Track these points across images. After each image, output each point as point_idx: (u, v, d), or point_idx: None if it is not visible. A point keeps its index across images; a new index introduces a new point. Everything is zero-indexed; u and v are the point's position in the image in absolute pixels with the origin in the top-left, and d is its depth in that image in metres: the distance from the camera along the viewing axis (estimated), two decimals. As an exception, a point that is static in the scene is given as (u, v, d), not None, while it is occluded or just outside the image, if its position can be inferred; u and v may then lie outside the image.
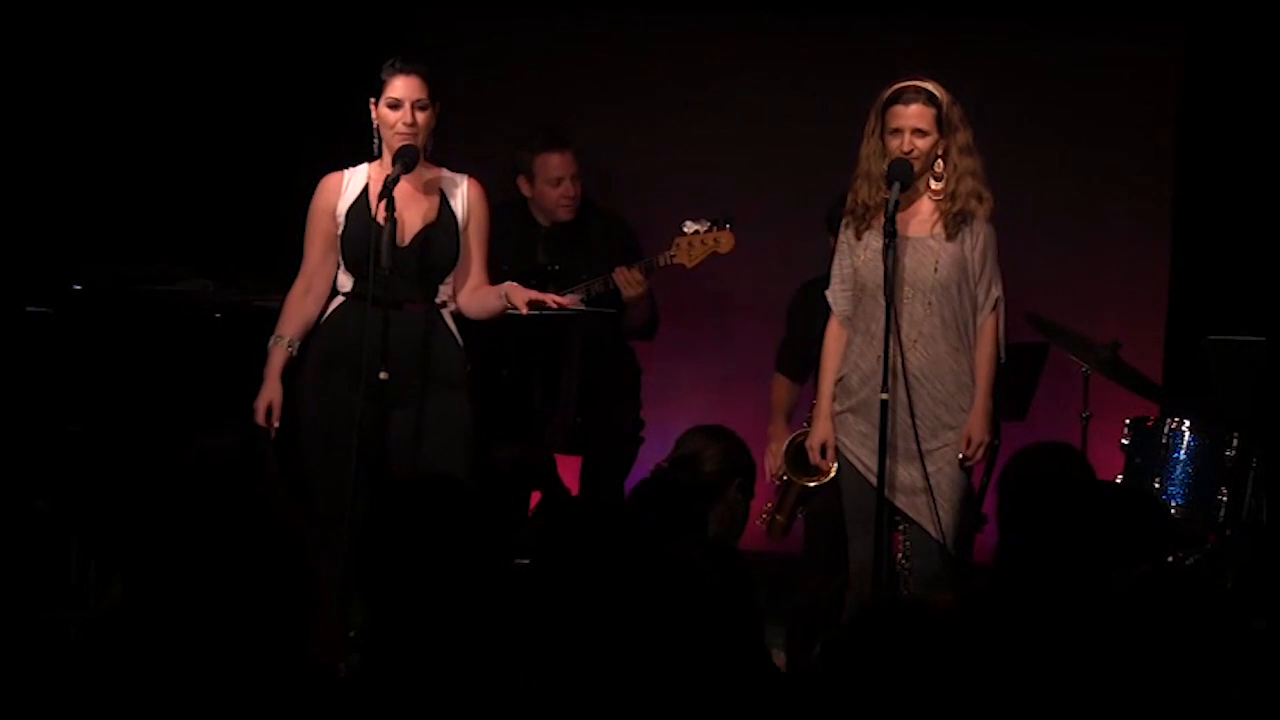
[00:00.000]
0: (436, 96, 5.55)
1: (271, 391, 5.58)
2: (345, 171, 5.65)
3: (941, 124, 5.48)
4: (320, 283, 5.65)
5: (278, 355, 5.62)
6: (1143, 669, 3.28)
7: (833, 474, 5.84)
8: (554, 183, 6.73)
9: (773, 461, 6.49)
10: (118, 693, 2.99)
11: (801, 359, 6.53)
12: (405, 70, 5.52)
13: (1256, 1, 7.35)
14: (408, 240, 5.55)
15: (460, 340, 5.63)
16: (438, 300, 5.61)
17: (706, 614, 2.96)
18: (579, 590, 3.31)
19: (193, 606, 3.00)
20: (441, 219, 5.60)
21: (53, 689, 3.11)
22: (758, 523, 6.39)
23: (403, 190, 5.52)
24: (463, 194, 5.64)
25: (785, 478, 6.45)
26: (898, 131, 5.47)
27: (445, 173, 5.67)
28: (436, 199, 5.62)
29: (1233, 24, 7.44)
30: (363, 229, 5.50)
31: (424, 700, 3.16)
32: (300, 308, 5.64)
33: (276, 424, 5.56)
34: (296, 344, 5.63)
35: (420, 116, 5.51)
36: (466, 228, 5.63)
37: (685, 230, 6.51)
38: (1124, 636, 3.39)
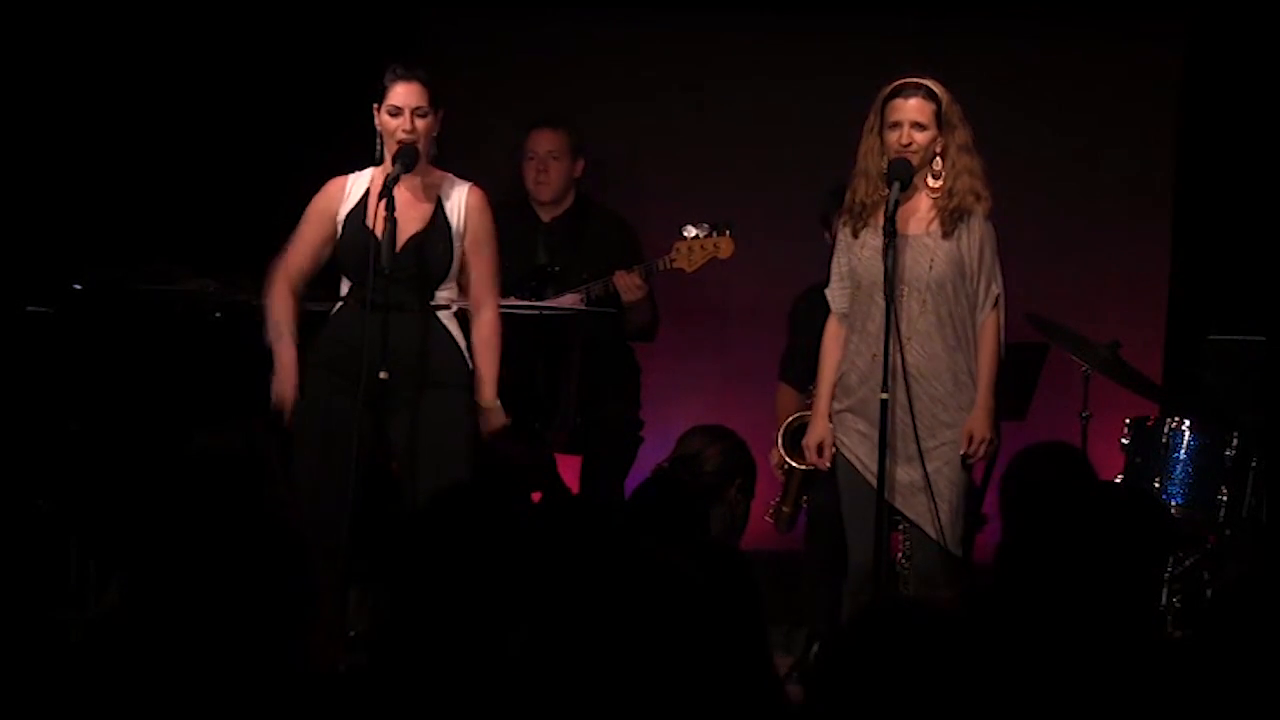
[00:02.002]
0: (439, 103, 5.55)
1: (286, 388, 5.53)
2: (350, 177, 5.64)
3: (941, 120, 5.48)
4: (299, 283, 5.61)
5: (286, 349, 5.56)
6: (1146, 670, 3.28)
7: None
8: (528, 157, 6.77)
9: (775, 455, 6.49)
10: (118, 693, 2.99)
11: (805, 367, 6.53)
12: (405, 77, 5.52)
13: (1256, 1, 7.35)
14: (401, 245, 5.53)
15: (461, 342, 5.62)
16: (434, 304, 5.60)
17: (697, 615, 2.96)
18: (572, 589, 3.31)
19: (192, 606, 3.00)
20: (434, 225, 5.58)
21: (53, 689, 3.11)
22: (765, 518, 6.41)
23: (400, 194, 5.52)
24: (459, 201, 5.61)
25: (786, 466, 6.45)
26: (897, 125, 5.47)
27: (448, 179, 5.65)
28: (432, 205, 5.60)
29: (1233, 24, 7.44)
30: (361, 234, 5.50)
31: (424, 700, 3.16)
32: (286, 306, 5.59)
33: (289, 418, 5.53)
34: (297, 335, 5.60)
35: (419, 124, 5.51)
36: (464, 237, 5.62)
37: (685, 235, 6.53)
38: (1129, 638, 3.39)
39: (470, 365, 5.61)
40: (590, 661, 2.90)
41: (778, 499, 6.57)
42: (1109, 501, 3.82)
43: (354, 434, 5.39)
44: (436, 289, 5.60)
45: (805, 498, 6.49)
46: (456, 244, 5.60)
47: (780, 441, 6.45)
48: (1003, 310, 5.56)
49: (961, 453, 5.48)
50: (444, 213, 5.60)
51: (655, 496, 4.78)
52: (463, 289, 5.67)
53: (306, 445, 5.52)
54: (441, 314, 5.61)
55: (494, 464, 5.99)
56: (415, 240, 5.56)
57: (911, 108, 5.46)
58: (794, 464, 6.40)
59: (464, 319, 5.68)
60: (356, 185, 5.63)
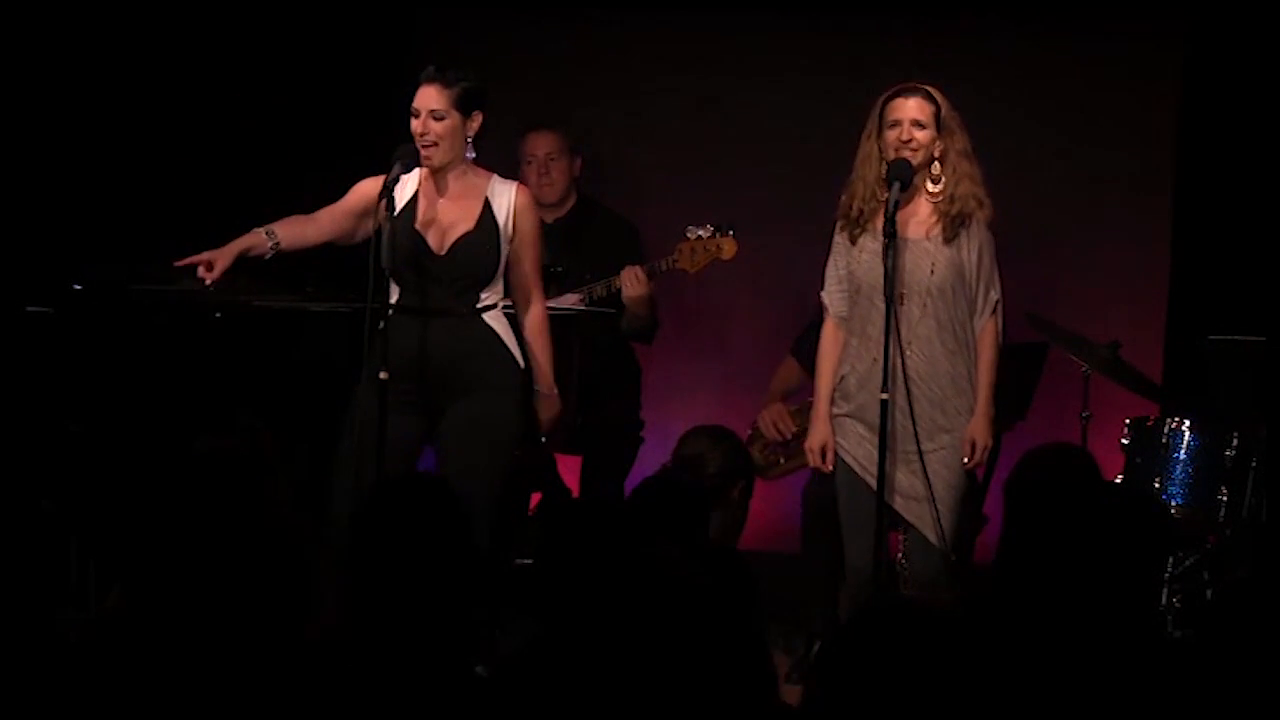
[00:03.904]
0: (468, 107, 5.53)
1: (220, 251, 5.51)
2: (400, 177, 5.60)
3: (939, 122, 5.48)
4: (323, 229, 5.63)
5: (253, 236, 5.56)
6: (1146, 670, 3.28)
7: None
8: (527, 161, 6.80)
9: (775, 421, 6.51)
10: (117, 693, 2.99)
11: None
12: (426, 79, 5.54)
13: (1256, 1, 7.35)
14: (448, 247, 5.56)
15: (510, 342, 5.62)
16: (479, 305, 5.60)
17: (696, 615, 2.96)
18: (575, 590, 3.31)
19: (191, 605, 3.01)
20: (481, 227, 5.59)
21: (52, 689, 3.11)
22: (758, 456, 6.43)
23: (440, 198, 5.57)
24: (509, 202, 5.61)
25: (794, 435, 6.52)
26: (897, 123, 5.46)
27: (494, 178, 5.66)
28: (478, 207, 5.60)
29: (1233, 24, 7.44)
30: (408, 236, 5.51)
31: (419, 700, 3.16)
32: (300, 224, 5.62)
33: (208, 276, 5.50)
34: (278, 245, 5.57)
35: (435, 127, 5.51)
36: (511, 238, 5.61)
37: (688, 235, 6.55)
38: (1129, 638, 3.39)
39: (521, 365, 5.62)
40: (590, 661, 2.90)
41: (788, 443, 6.60)
42: (1110, 502, 3.82)
43: (356, 434, 5.40)
44: (481, 290, 5.61)
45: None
46: (504, 245, 5.60)
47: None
48: (1001, 316, 5.56)
49: (964, 460, 5.48)
50: (492, 213, 5.61)
51: (656, 497, 4.79)
52: (507, 288, 5.69)
53: (348, 452, 5.51)
54: (488, 315, 5.61)
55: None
56: (462, 242, 5.57)
57: (911, 106, 5.47)
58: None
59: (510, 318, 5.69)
60: (405, 187, 5.61)
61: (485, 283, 5.60)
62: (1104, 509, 3.70)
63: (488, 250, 5.58)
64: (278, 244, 5.58)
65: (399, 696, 3.15)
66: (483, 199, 5.61)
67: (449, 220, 5.57)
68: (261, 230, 5.59)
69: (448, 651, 3.23)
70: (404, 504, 3.60)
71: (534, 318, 5.69)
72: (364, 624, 3.33)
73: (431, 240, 5.57)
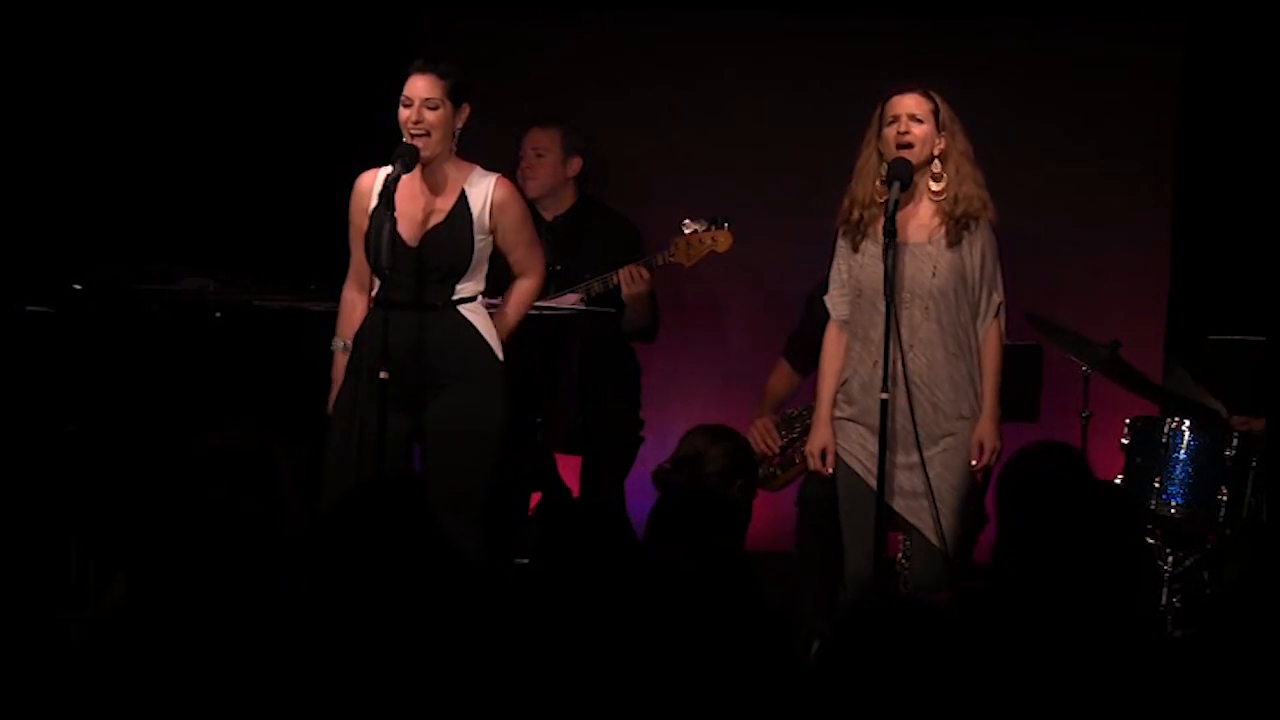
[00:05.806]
0: (459, 97, 5.54)
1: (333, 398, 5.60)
2: (379, 171, 5.58)
3: (938, 120, 5.48)
4: (370, 280, 5.63)
5: (340, 360, 5.63)
6: (1146, 670, 3.29)
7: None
8: (519, 156, 6.83)
9: (763, 437, 6.51)
10: (117, 693, 3.00)
11: (811, 350, 6.54)
12: (417, 69, 5.54)
13: (1256, 1, 7.36)
14: (417, 241, 5.55)
15: (488, 334, 5.61)
16: (455, 298, 5.60)
17: (697, 616, 2.96)
18: (576, 591, 3.32)
19: (190, 606, 3.01)
20: (452, 219, 5.58)
21: (53, 689, 3.11)
22: (763, 470, 6.44)
23: (418, 189, 5.55)
24: (486, 194, 5.61)
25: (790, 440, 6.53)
26: (895, 119, 5.46)
27: (475, 171, 5.65)
28: (453, 199, 5.60)
29: (1233, 24, 7.44)
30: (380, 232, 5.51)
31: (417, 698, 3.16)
32: (354, 309, 5.64)
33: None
34: (350, 345, 5.62)
35: (429, 116, 5.51)
36: (493, 231, 5.61)
37: (684, 230, 6.56)
38: (1127, 637, 3.39)
39: (500, 358, 5.61)
40: (590, 660, 2.91)
41: (777, 459, 6.60)
42: (1083, 497, 3.84)
43: (354, 434, 5.41)
44: (458, 283, 5.60)
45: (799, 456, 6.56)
46: (478, 237, 5.59)
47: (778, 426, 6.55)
48: (1003, 318, 5.56)
49: (973, 462, 5.48)
50: (466, 205, 5.59)
51: (671, 506, 4.76)
52: (499, 280, 5.69)
53: (334, 453, 5.51)
54: (465, 307, 5.60)
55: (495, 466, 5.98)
56: (432, 234, 5.57)
57: (909, 102, 5.47)
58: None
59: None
60: (382, 181, 5.61)
61: (459, 275, 5.58)
62: (1081, 505, 3.71)
63: (458, 243, 5.57)
64: (350, 344, 5.62)
65: (389, 698, 3.15)
66: (459, 191, 5.60)
67: (424, 213, 5.56)
68: (339, 349, 5.64)
69: (431, 650, 3.22)
70: (369, 508, 3.59)
71: (521, 284, 5.70)
72: (332, 623, 3.32)
73: (405, 232, 5.54)
